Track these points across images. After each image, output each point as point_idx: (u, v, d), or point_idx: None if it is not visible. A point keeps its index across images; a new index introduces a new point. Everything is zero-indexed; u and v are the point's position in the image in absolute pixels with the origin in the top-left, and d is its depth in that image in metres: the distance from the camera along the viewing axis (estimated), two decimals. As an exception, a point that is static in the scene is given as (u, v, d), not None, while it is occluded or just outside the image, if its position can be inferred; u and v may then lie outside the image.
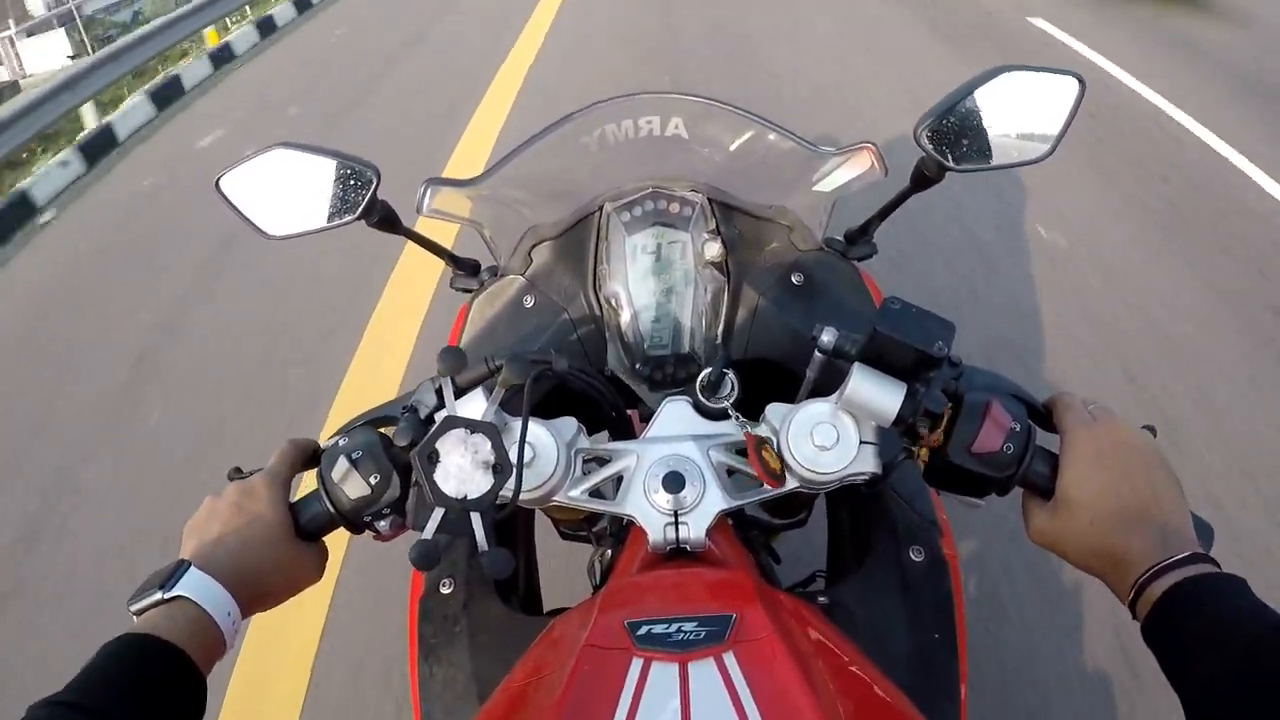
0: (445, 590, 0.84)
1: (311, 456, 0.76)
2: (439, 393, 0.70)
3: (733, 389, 0.74)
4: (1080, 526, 0.62)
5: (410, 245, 0.97)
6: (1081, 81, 0.85)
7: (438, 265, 2.69)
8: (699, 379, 0.74)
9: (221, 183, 0.90)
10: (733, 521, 0.86)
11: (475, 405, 0.67)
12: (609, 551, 0.94)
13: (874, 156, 0.92)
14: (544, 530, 1.09)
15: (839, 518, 0.97)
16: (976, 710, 0.81)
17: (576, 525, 1.02)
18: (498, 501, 0.62)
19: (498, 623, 0.82)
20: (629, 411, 0.90)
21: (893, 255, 2.97)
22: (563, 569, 1.50)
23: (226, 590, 0.63)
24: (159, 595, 0.61)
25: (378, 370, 2.71)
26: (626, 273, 0.92)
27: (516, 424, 0.64)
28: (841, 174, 0.94)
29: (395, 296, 3.08)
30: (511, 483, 0.61)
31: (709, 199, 0.93)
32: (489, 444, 0.61)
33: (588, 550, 1.08)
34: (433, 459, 0.61)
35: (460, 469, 0.61)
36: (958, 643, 0.79)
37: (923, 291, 2.82)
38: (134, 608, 0.61)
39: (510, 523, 0.96)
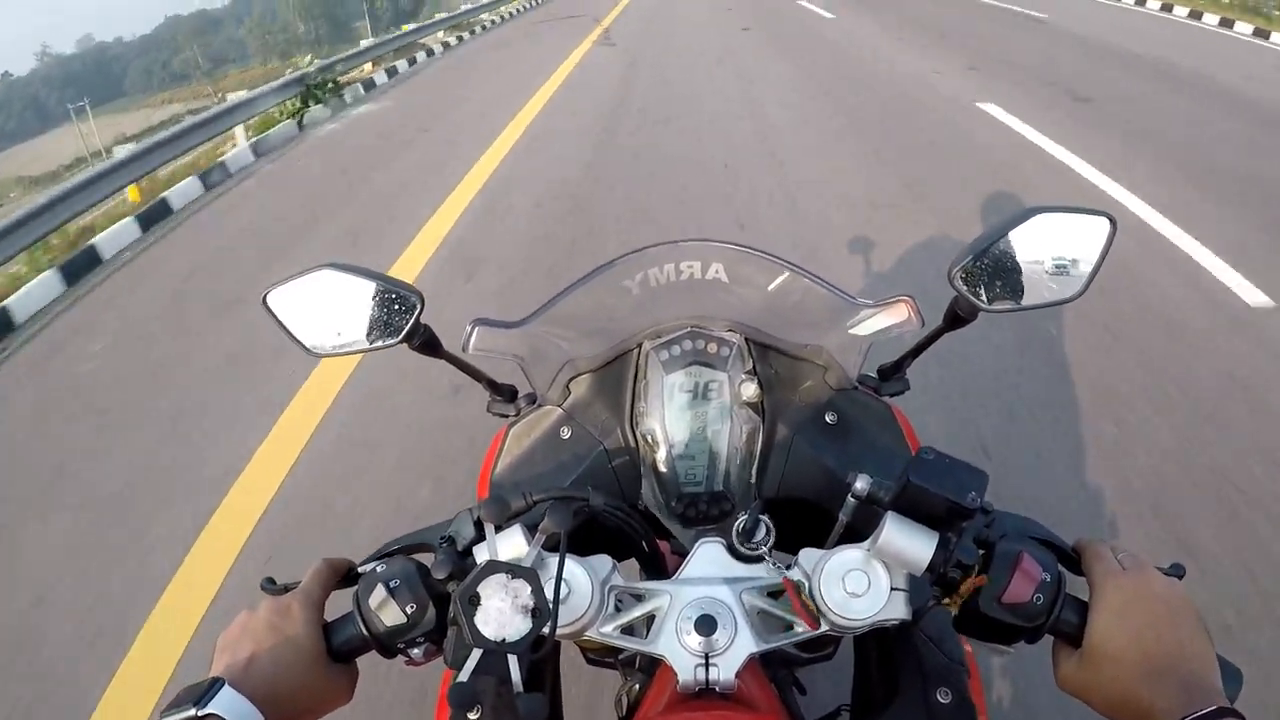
0: (472, 717, 0.83)
1: (346, 576, 0.77)
2: (477, 524, 0.73)
3: (768, 534, 0.76)
4: (1107, 678, 0.63)
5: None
6: (1113, 221, 0.87)
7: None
8: (735, 525, 0.76)
9: (269, 298, 0.92)
10: (761, 658, 0.84)
11: (513, 542, 0.69)
12: (636, 686, 0.94)
13: (911, 309, 0.94)
14: (569, 652, 1.07)
15: (866, 654, 0.96)
16: None
17: (603, 653, 1.01)
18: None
19: None
20: (660, 542, 0.92)
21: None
22: (588, 692, 1.46)
23: (258, 710, 0.63)
24: (193, 712, 0.61)
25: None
26: (664, 411, 0.94)
27: (553, 560, 0.66)
28: (877, 322, 0.96)
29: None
30: (548, 624, 0.62)
31: (746, 339, 0.96)
32: (529, 589, 0.63)
33: (612, 674, 1.06)
34: (474, 601, 0.62)
35: (500, 612, 0.62)
36: None
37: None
38: None
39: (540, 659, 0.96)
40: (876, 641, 0.92)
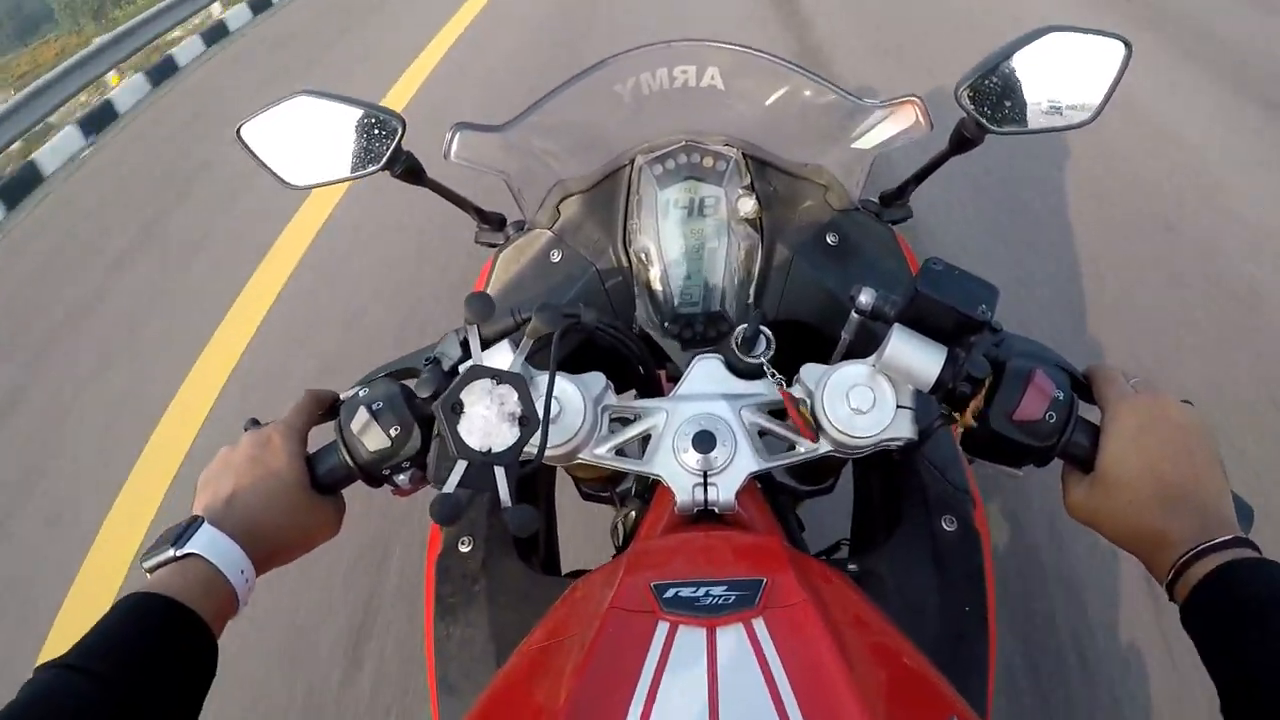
0: (464, 549, 0.83)
1: (330, 409, 0.74)
2: (464, 344, 0.69)
3: (769, 346, 0.72)
4: (1119, 504, 0.60)
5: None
6: (1128, 45, 0.83)
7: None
8: (734, 335, 0.72)
9: (243, 131, 0.88)
10: (761, 486, 0.85)
11: (501, 357, 0.65)
12: (633, 513, 0.93)
13: (919, 110, 0.89)
14: (563, 490, 1.08)
15: (868, 485, 0.95)
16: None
17: (599, 485, 1.01)
18: (522, 457, 0.60)
19: (517, 583, 0.81)
20: (657, 370, 0.88)
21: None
22: (582, 531, 1.47)
23: (240, 547, 0.62)
24: (171, 553, 0.59)
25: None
26: (658, 227, 0.89)
27: (543, 378, 0.62)
28: (883, 130, 0.91)
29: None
30: (537, 438, 0.59)
31: (744, 154, 0.90)
32: (515, 395, 0.59)
33: (609, 513, 1.07)
34: (457, 410, 0.59)
35: (485, 421, 0.59)
36: (988, 617, 0.77)
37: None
38: (146, 565, 0.60)
39: (531, 481, 0.95)
40: (880, 472, 0.90)
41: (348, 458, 0.68)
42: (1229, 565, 0.54)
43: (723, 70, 0.92)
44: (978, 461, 0.70)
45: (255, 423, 0.72)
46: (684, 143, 0.91)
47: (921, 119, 0.89)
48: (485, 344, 0.66)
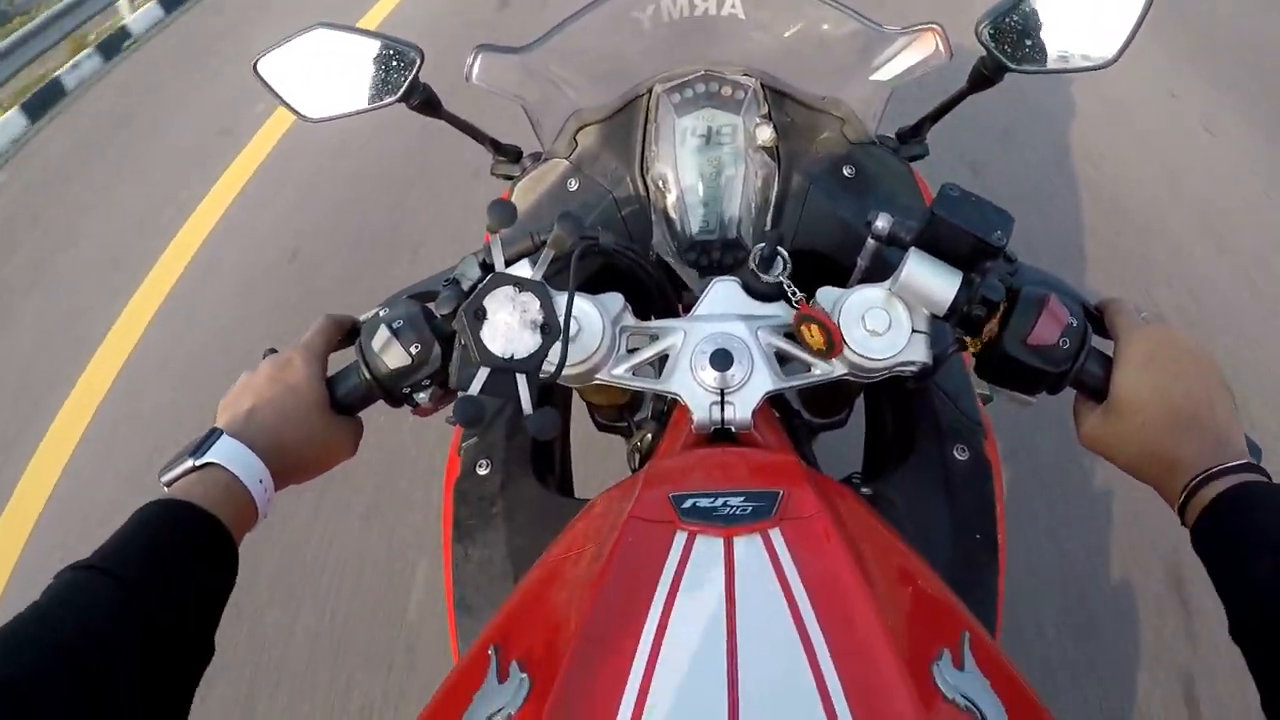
0: (482, 472, 0.84)
1: (349, 334, 0.75)
2: (483, 265, 0.69)
3: (786, 266, 0.72)
4: (1132, 429, 0.61)
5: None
6: None
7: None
8: (751, 255, 0.73)
9: (259, 65, 0.89)
10: (777, 415, 0.86)
11: (521, 270, 0.65)
12: (649, 435, 0.94)
13: (939, 38, 0.88)
14: (579, 420, 1.09)
15: (880, 416, 0.96)
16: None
17: (615, 414, 1.02)
18: (541, 372, 0.61)
19: (535, 504, 0.82)
20: (674, 296, 0.89)
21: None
22: (598, 465, 1.47)
23: (259, 459, 0.62)
24: (190, 463, 0.60)
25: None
26: (675, 155, 0.89)
27: (562, 297, 0.62)
28: (902, 60, 0.91)
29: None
30: (555, 354, 0.60)
31: (762, 84, 0.90)
32: (537, 303, 0.60)
33: (623, 451, 1.08)
34: (480, 316, 0.60)
35: (508, 327, 0.59)
36: (998, 545, 0.78)
37: None
38: (165, 478, 0.61)
39: (548, 397, 0.95)
40: (892, 401, 0.91)
41: (369, 375, 0.69)
42: (1241, 486, 0.54)
43: None
44: (992, 393, 0.71)
45: (274, 351, 0.73)
46: (703, 72, 0.90)
47: (942, 47, 0.88)
48: (506, 263, 0.67)
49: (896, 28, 0.91)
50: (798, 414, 1.01)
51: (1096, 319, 0.68)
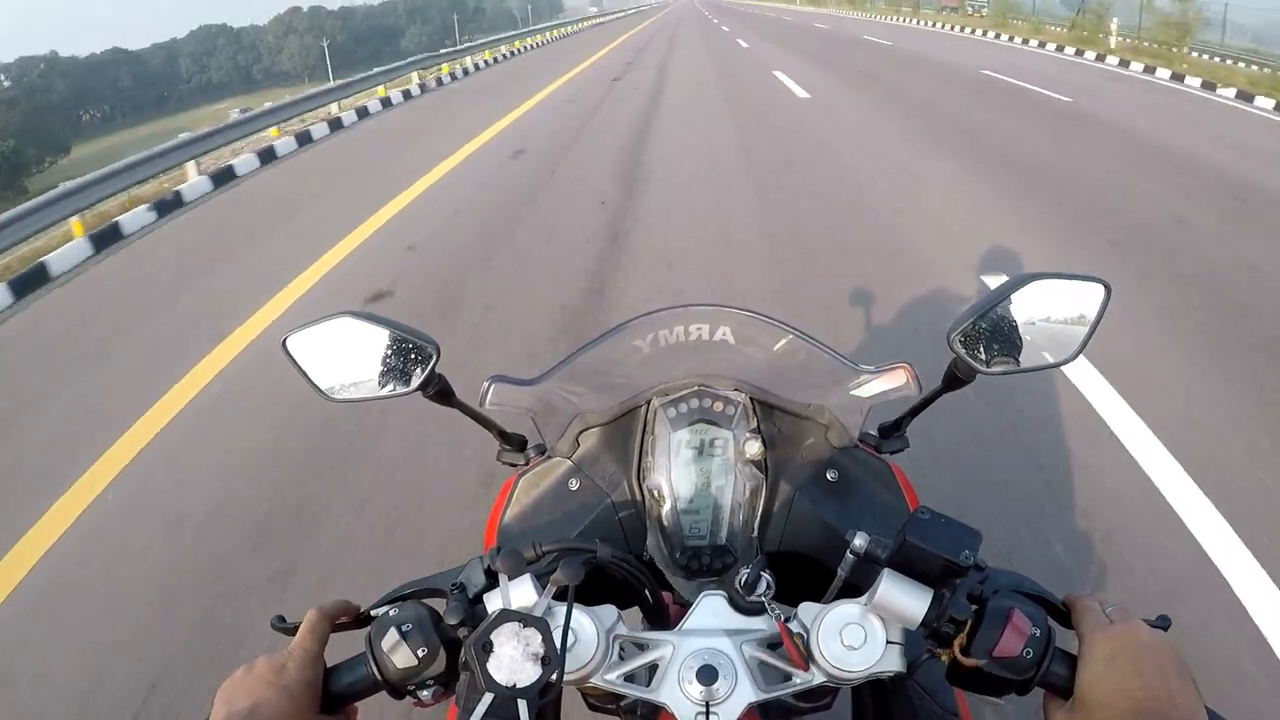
0: None
1: (355, 619, 0.80)
2: (488, 573, 0.75)
3: (769, 587, 0.77)
4: None
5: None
6: (1107, 287, 0.89)
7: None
8: (738, 578, 0.77)
9: (288, 342, 0.94)
10: (760, 709, 0.87)
11: (523, 591, 0.71)
12: None
13: (909, 375, 0.97)
14: (571, 702, 1.08)
15: (863, 705, 0.97)
16: None
17: (605, 699, 1.02)
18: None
19: None
20: (664, 594, 0.93)
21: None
22: None
23: None
24: None
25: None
26: (670, 466, 0.96)
27: (561, 610, 0.68)
28: (876, 386, 0.99)
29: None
30: (557, 672, 0.64)
31: (751, 398, 0.98)
32: (540, 638, 0.65)
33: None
34: (486, 649, 0.64)
35: (512, 660, 0.64)
36: None
37: None
38: None
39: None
40: (873, 692, 0.93)
41: (376, 672, 0.72)
42: None
43: (734, 328, 1.02)
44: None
45: (281, 620, 0.77)
46: (696, 387, 0.99)
47: (911, 381, 0.97)
48: (509, 567, 0.72)
49: (868, 367, 1.00)
50: (782, 704, 1.01)
51: (1062, 613, 0.72)
